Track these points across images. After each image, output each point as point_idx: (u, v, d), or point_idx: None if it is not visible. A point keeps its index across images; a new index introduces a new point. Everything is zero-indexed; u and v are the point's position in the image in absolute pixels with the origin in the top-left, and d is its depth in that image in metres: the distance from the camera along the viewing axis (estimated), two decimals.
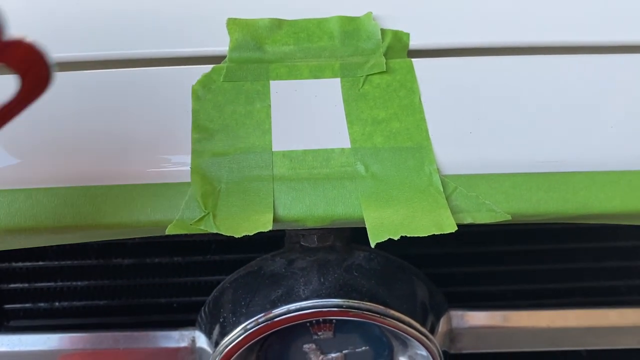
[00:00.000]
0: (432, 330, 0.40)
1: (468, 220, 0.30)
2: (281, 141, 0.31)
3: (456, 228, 0.28)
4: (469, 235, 0.29)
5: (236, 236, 0.29)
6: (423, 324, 0.39)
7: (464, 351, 0.44)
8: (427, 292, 0.42)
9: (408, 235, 0.28)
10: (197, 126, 0.31)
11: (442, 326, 0.42)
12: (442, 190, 0.30)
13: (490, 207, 0.30)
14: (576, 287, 0.49)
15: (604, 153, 0.32)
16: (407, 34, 0.34)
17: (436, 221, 0.28)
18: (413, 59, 0.34)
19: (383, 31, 0.34)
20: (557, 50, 0.35)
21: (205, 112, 0.31)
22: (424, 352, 0.40)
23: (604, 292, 0.49)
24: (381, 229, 0.28)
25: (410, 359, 0.42)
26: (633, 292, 0.50)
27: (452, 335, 0.43)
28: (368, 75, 0.33)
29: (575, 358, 0.48)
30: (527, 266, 0.47)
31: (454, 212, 0.29)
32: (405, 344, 0.42)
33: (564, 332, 0.44)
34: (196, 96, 0.32)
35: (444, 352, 0.41)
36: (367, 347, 0.43)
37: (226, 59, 0.33)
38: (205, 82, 0.32)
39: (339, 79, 0.33)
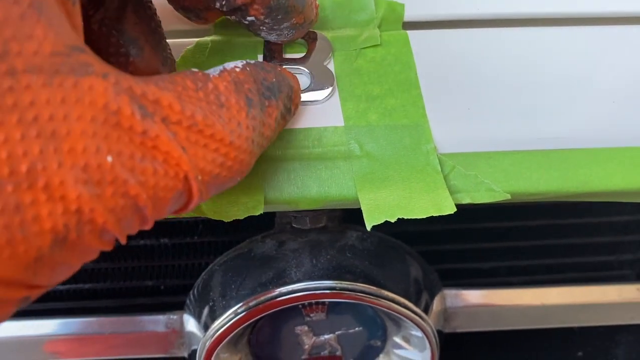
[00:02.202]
0: (426, 310, 0.40)
1: (466, 200, 0.28)
2: None
3: (455, 209, 0.27)
4: (461, 211, 0.28)
5: (225, 220, 0.27)
6: (417, 304, 0.39)
7: (459, 330, 0.44)
8: (421, 271, 0.41)
9: (405, 217, 0.27)
10: None
11: (436, 305, 0.41)
12: (439, 169, 0.29)
13: (489, 186, 0.29)
14: (569, 263, 0.48)
15: (606, 129, 0.31)
16: (402, 5, 0.32)
17: (434, 202, 0.27)
18: (408, 31, 0.32)
19: (376, 2, 0.32)
20: (559, 21, 0.33)
21: None
22: (418, 333, 0.39)
23: (596, 267, 0.49)
24: (377, 210, 0.27)
25: (405, 339, 0.42)
26: (624, 266, 0.50)
27: (447, 314, 0.43)
28: (362, 48, 0.32)
29: (567, 334, 0.48)
30: (519, 242, 0.47)
31: (451, 191, 0.28)
32: (399, 324, 0.41)
33: (559, 310, 0.43)
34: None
35: (439, 332, 0.41)
36: (361, 328, 0.42)
37: (211, 32, 0.32)
38: (189, 58, 0.31)
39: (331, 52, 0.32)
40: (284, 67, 0.29)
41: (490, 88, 0.31)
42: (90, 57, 0.18)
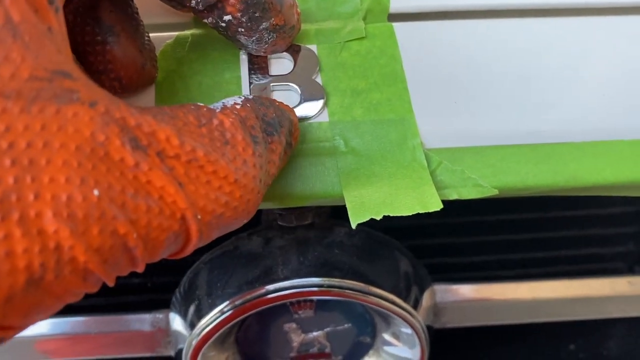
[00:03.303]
0: (416, 306, 0.39)
1: (453, 196, 0.28)
2: None
3: (441, 206, 0.26)
4: (451, 205, 0.27)
5: None
6: (406, 300, 0.38)
7: (449, 325, 0.43)
8: (410, 266, 0.40)
9: (391, 215, 0.26)
10: (160, 99, 0.29)
11: (425, 301, 0.41)
12: (426, 165, 0.28)
13: (477, 181, 0.28)
14: (561, 256, 0.48)
15: (595, 122, 0.30)
16: None
17: (420, 199, 0.27)
18: (394, 23, 0.32)
19: None
20: (548, 13, 0.33)
21: (169, 84, 0.29)
22: (407, 329, 0.39)
23: (588, 259, 0.49)
24: (362, 208, 0.26)
25: (394, 335, 0.41)
26: (616, 259, 0.50)
27: (437, 309, 0.42)
28: (346, 41, 0.31)
29: (558, 327, 0.48)
30: (510, 236, 0.46)
31: (438, 187, 0.27)
32: (388, 321, 0.41)
33: (551, 304, 0.43)
34: (159, 67, 0.29)
35: (428, 327, 0.40)
36: (349, 325, 0.42)
37: (191, 26, 0.31)
38: (168, 52, 0.30)
39: (315, 46, 0.31)
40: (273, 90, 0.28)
41: (478, 81, 0.31)
42: (76, 84, 0.17)
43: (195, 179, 0.19)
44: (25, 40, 0.16)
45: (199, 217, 0.19)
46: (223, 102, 0.22)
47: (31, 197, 0.15)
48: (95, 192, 0.16)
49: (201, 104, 0.21)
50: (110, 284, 0.18)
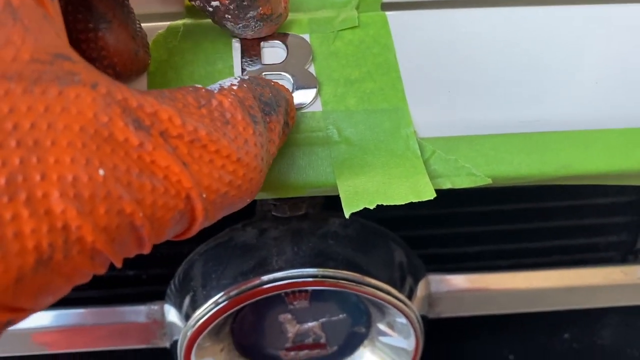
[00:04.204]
0: (410, 296, 0.39)
1: (447, 185, 0.28)
2: None
3: (435, 195, 0.26)
4: (445, 195, 0.27)
5: None
6: (401, 290, 0.38)
7: (443, 315, 0.43)
8: (405, 256, 0.41)
9: (384, 204, 0.26)
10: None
11: (420, 291, 0.41)
12: (419, 154, 0.28)
13: (470, 170, 0.28)
14: (555, 246, 0.48)
15: (588, 111, 0.30)
16: None
17: (414, 188, 0.27)
18: (387, 12, 0.32)
19: None
20: (540, 1, 0.32)
21: (161, 74, 0.29)
22: (402, 319, 0.39)
23: (582, 249, 0.49)
24: (356, 197, 0.26)
25: (389, 325, 0.41)
26: (610, 248, 0.50)
27: (431, 299, 0.42)
28: (339, 30, 0.31)
29: (553, 316, 0.48)
30: (504, 226, 0.47)
31: (432, 177, 0.27)
32: (383, 311, 0.41)
33: (545, 293, 0.43)
34: (151, 57, 0.29)
35: (423, 317, 0.41)
36: (344, 315, 0.42)
37: (183, 15, 0.31)
38: (160, 42, 0.30)
39: (307, 35, 0.31)
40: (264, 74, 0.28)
41: (471, 71, 0.31)
42: (77, 66, 0.17)
43: (198, 159, 0.19)
44: (25, 23, 0.16)
45: (204, 195, 0.19)
46: (219, 84, 0.22)
47: (37, 177, 0.15)
48: (101, 172, 0.16)
49: (199, 86, 0.21)
50: (118, 264, 0.18)
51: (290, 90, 0.29)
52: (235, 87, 0.22)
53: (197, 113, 0.20)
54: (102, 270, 0.17)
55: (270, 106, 0.23)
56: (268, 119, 0.23)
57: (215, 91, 0.21)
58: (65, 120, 0.16)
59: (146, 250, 0.19)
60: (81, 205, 0.16)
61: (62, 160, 0.16)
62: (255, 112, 0.22)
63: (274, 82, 0.25)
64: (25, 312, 0.17)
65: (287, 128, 0.25)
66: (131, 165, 0.17)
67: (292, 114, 0.26)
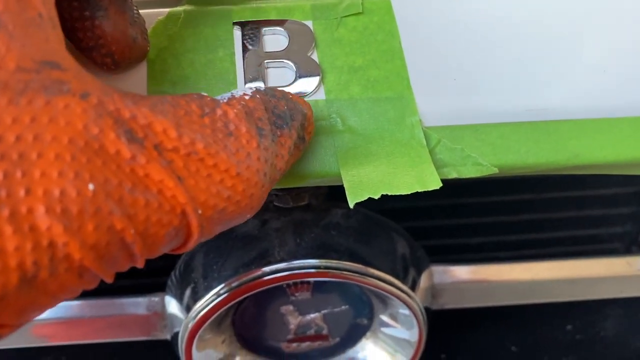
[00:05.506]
0: (414, 287, 0.39)
1: (453, 175, 0.27)
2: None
3: (441, 184, 0.26)
4: (449, 186, 0.27)
5: None
6: (404, 281, 0.38)
7: (447, 307, 0.43)
8: (408, 247, 0.40)
9: (389, 194, 0.26)
10: (153, 78, 0.28)
11: (423, 282, 0.41)
12: (424, 143, 0.27)
13: (476, 160, 0.28)
14: (557, 237, 0.48)
15: (597, 100, 0.30)
16: None
17: (419, 177, 0.26)
18: None
19: None
20: None
21: (161, 62, 0.28)
22: (405, 311, 0.39)
23: (585, 240, 0.48)
24: (360, 187, 0.26)
25: (392, 317, 0.41)
26: (614, 239, 0.49)
27: (434, 291, 0.42)
28: (343, 17, 0.30)
29: (556, 308, 0.48)
30: (508, 217, 0.46)
31: (437, 166, 0.27)
32: (385, 302, 0.40)
33: (548, 285, 0.43)
34: (151, 45, 0.28)
35: (426, 309, 0.40)
36: (347, 307, 0.41)
37: (183, 2, 0.30)
38: (160, 29, 0.29)
39: (310, 22, 0.30)
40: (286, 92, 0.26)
41: (478, 58, 0.30)
42: (66, 74, 0.16)
43: (195, 173, 0.18)
44: (10, 30, 0.16)
45: (200, 211, 0.18)
46: (232, 93, 0.22)
47: (22, 192, 0.15)
48: (90, 186, 0.16)
49: (205, 94, 0.20)
50: (109, 280, 0.17)
51: (293, 80, 0.28)
52: (247, 98, 0.21)
53: (198, 122, 0.19)
54: (91, 286, 0.17)
55: (284, 119, 0.22)
56: (279, 133, 0.22)
57: (224, 100, 0.21)
58: (53, 131, 0.15)
59: (139, 265, 0.18)
60: (68, 222, 0.15)
61: (48, 174, 0.15)
62: (264, 125, 0.21)
63: (292, 95, 0.24)
64: (9, 328, 0.16)
65: (302, 143, 0.24)
66: (123, 179, 0.16)
67: (309, 129, 0.25)
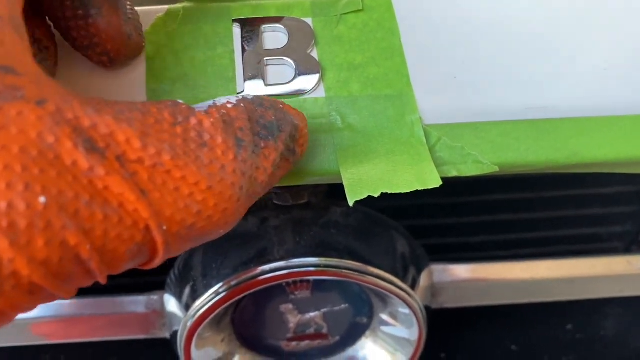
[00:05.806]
0: (413, 286, 0.39)
1: (453, 173, 0.27)
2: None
3: (441, 182, 0.26)
4: (448, 184, 0.27)
5: None
6: (404, 280, 0.38)
7: (446, 306, 0.43)
8: (408, 246, 0.40)
9: (389, 192, 0.25)
10: (152, 76, 0.28)
11: (423, 281, 0.41)
12: (424, 141, 0.27)
13: (477, 158, 0.27)
14: (557, 236, 0.48)
15: (597, 98, 0.30)
16: None
17: (419, 175, 0.26)
18: None
19: None
20: None
21: (160, 59, 0.28)
22: (405, 309, 0.38)
23: (585, 239, 0.48)
24: (360, 185, 0.26)
25: (392, 315, 0.41)
26: (613, 238, 0.49)
27: (434, 290, 0.42)
28: (343, 14, 0.30)
29: (556, 307, 0.48)
30: (508, 216, 0.46)
31: (437, 164, 0.27)
32: (385, 301, 0.40)
33: (548, 284, 0.43)
34: (150, 42, 0.28)
35: (426, 308, 0.40)
36: (346, 305, 0.41)
37: None
38: (159, 26, 0.29)
39: (310, 19, 0.30)
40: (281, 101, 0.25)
41: (478, 56, 0.30)
42: (21, 80, 0.15)
43: (161, 186, 0.17)
44: None
45: (165, 227, 0.17)
46: (214, 101, 0.20)
47: None
48: (42, 199, 0.15)
49: (180, 101, 0.19)
50: (66, 297, 0.16)
51: (293, 77, 0.28)
52: (229, 106, 0.20)
53: (169, 131, 0.18)
54: (48, 301, 0.16)
55: (269, 130, 0.21)
56: (263, 144, 0.21)
57: (203, 109, 0.19)
58: (3, 140, 0.15)
59: (102, 281, 0.17)
60: (15, 236, 0.14)
61: None
62: (244, 136, 0.20)
63: (284, 105, 0.23)
64: None
65: (292, 156, 0.23)
66: (80, 192, 0.15)
67: (301, 141, 0.24)
